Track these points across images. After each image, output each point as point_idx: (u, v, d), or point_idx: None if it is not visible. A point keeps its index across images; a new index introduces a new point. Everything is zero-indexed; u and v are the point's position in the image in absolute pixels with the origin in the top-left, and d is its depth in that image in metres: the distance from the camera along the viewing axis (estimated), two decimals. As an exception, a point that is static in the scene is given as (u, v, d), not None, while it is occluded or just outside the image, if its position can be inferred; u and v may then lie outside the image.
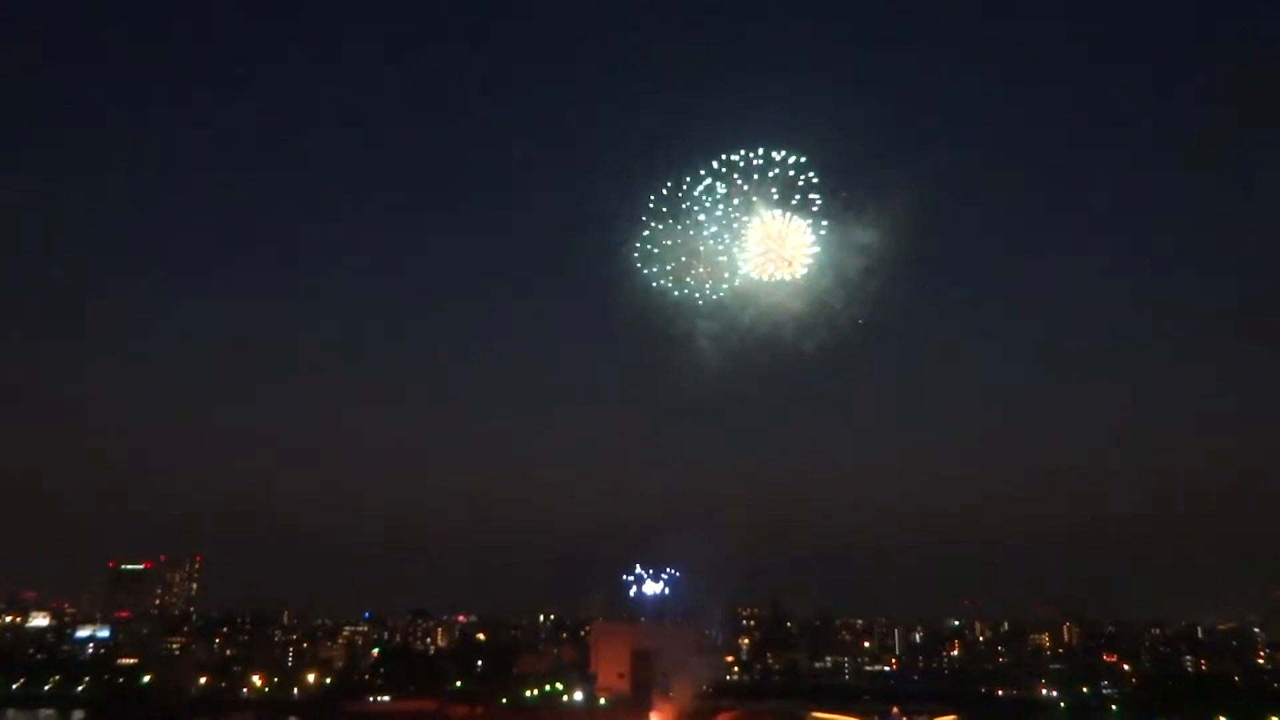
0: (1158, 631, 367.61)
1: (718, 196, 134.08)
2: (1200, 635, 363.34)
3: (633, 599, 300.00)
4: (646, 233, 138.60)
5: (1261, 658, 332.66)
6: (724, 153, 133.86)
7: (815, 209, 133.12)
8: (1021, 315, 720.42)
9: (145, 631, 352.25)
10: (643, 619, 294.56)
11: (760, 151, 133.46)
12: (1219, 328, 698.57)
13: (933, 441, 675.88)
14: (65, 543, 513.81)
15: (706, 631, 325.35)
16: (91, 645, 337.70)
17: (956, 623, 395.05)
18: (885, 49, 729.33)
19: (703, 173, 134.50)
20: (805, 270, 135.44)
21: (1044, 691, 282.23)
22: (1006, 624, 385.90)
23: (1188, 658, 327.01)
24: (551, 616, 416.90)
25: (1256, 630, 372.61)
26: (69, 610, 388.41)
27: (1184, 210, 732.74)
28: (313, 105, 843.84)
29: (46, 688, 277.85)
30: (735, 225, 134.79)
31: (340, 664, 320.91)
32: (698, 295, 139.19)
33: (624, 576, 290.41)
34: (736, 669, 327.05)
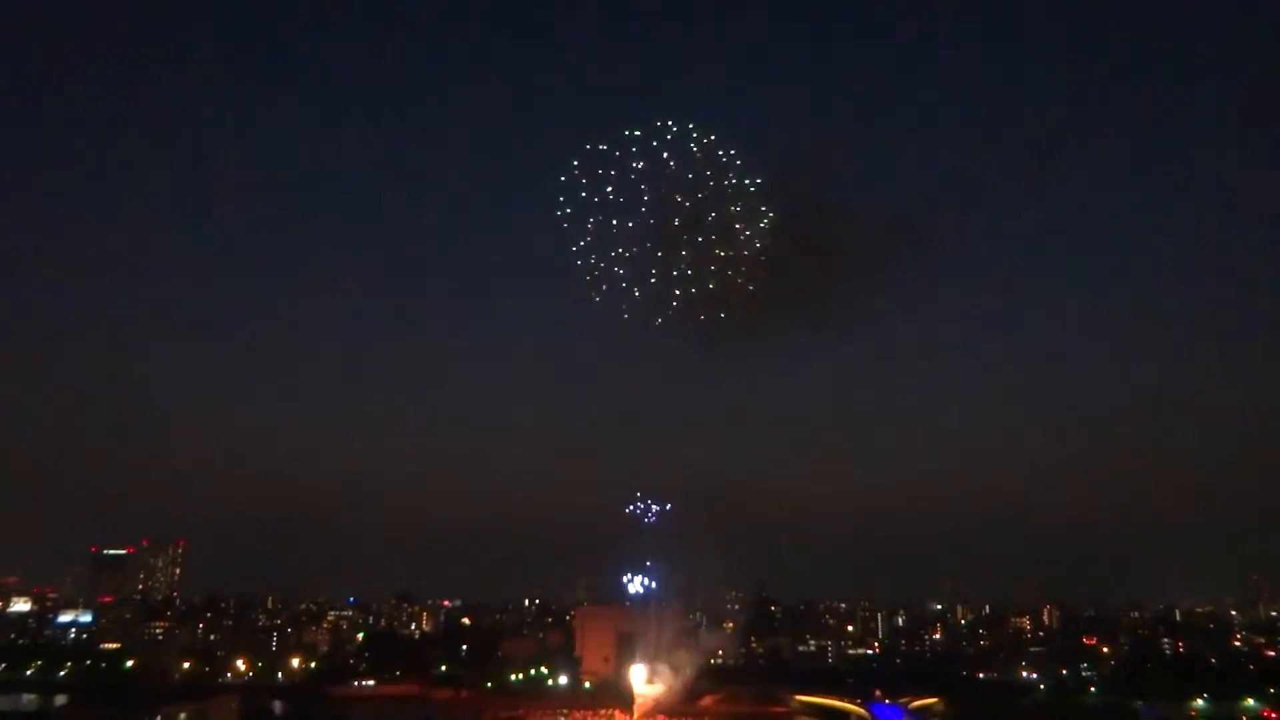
0: (1136, 614, 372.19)
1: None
2: (1178, 618, 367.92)
3: (617, 584, 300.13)
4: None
5: (1238, 640, 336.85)
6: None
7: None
8: (1005, 307, 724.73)
9: (128, 616, 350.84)
10: (627, 603, 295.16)
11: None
12: (1198, 320, 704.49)
13: (915, 429, 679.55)
14: (47, 528, 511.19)
15: (691, 616, 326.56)
16: (74, 630, 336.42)
17: (939, 607, 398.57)
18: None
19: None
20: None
21: (1024, 674, 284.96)
22: (988, 607, 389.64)
23: (1165, 640, 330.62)
24: (536, 600, 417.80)
25: (1233, 613, 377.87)
26: (51, 595, 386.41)
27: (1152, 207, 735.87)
28: (309, 99, 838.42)
29: (29, 673, 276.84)
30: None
31: (325, 648, 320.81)
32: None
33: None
34: (720, 652, 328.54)
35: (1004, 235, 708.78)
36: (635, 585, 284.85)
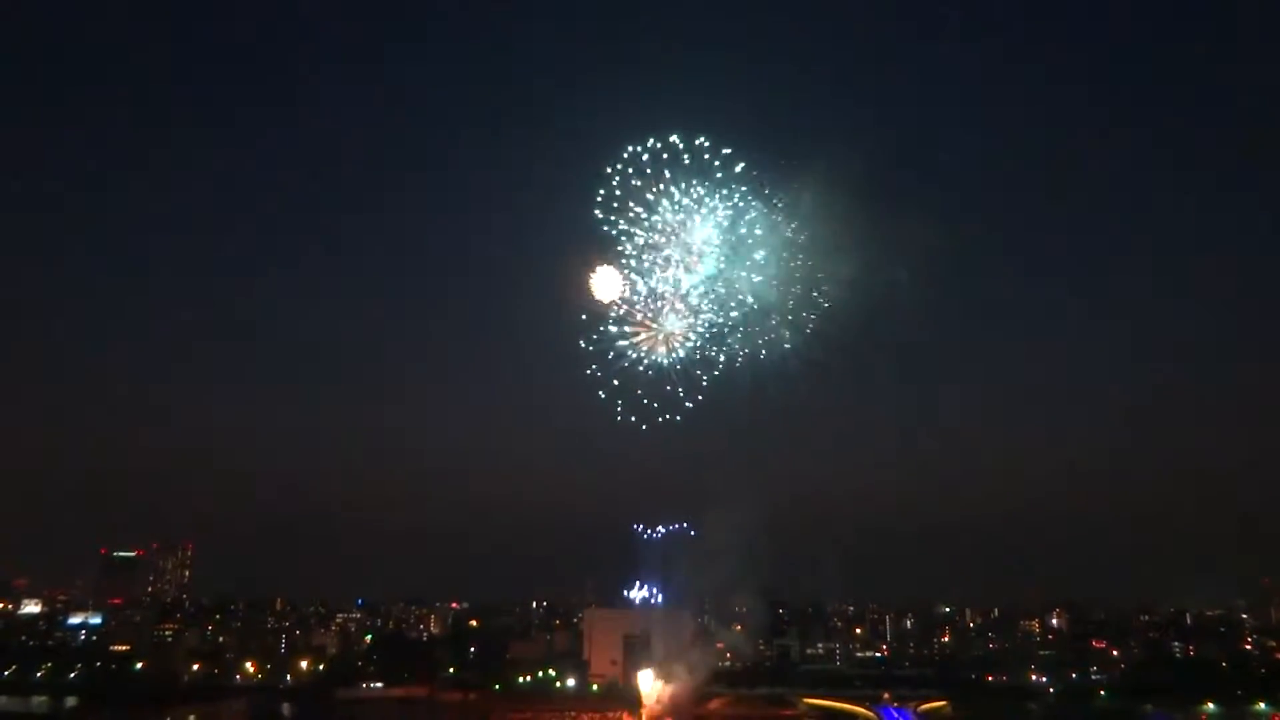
0: (1146, 618, 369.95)
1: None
2: (1188, 621, 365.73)
3: (625, 587, 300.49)
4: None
5: (1249, 644, 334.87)
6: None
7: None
8: (1013, 306, 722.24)
9: (137, 618, 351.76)
10: (636, 605, 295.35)
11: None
12: (1208, 320, 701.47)
13: (926, 430, 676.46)
14: (56, 530, 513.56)
15: (699, 618, 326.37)
16: (83, 632, 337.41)
17: (947, 609, 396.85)
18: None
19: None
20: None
21: (1033, 677, 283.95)
22: (997, 610, 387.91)
23: (1176, 644, 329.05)
24: (544, 603, 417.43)
25: (1244, 616, 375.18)
26: (61, 598, 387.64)
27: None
28: (310, 107, 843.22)
29: (39, 675, 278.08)
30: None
31: (333, 651, 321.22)
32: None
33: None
34: (729, 655, 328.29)
35: (1012, 234, 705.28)
36: (643, 589, 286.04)
